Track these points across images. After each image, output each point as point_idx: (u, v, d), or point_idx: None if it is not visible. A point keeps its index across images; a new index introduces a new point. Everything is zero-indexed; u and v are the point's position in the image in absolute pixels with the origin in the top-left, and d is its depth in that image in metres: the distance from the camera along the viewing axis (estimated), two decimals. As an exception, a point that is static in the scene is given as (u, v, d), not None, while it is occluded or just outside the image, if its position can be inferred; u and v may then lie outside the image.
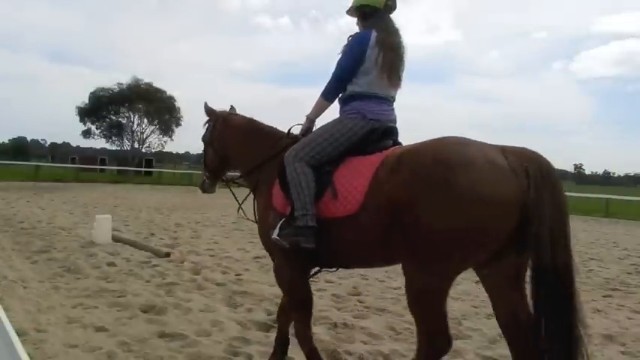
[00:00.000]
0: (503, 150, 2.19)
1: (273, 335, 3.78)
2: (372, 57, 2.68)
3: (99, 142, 47.84)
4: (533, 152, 2.22)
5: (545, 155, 2.22)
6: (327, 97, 2.85)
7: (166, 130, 44.91)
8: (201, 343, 3.51)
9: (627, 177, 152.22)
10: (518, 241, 2.13)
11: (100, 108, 42.78)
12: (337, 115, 2.84)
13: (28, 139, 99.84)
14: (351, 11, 2.92)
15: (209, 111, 3.45)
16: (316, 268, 2.95)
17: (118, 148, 45.95)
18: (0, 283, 4.86)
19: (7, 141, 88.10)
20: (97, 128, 44.12)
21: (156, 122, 44.14)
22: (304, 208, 2.52)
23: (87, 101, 42.72)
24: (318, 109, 2.91)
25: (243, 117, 3.38)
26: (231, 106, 3.52)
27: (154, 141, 45.49)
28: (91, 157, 50.59)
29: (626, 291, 6.11)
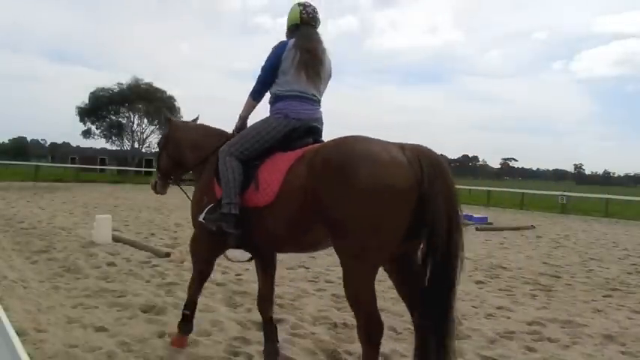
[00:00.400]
0: (402, 146, 2.51)
1: (273, 335, 3.79)
2: (289, 58, 3.01)
3: (99, 142, 47.89)
4: (427, 148, 2.55)
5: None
6: (254, 96, 3.24)
7: (166, 130, 44.88)
8: (202, 343, 3.51)
9: (627, 177, 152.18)
10: (416, 226, 2.40)
11: (100, 108, 42.75)
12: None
13: (28, 139, 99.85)
14: (286, 35, 3.28)
15: (166, 119, 3.92)
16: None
17: (118, 148, 45.93)
18: (0, 283, 4.86)
19: (7, 141, 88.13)
20: (97, 128, 44.12)
21: (156, 122, 44.09)
22: (229, 197, 2.87)
23: (87, 101, 42.72)
24: (248, 108, 3.30)
25: (195, 123, 3.79)
26: (198, 116, 3.88)
27: (154, 141, 45.42)
28: (91, 157, 50.53)
29: (626, 291, 6.11)
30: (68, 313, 4.06)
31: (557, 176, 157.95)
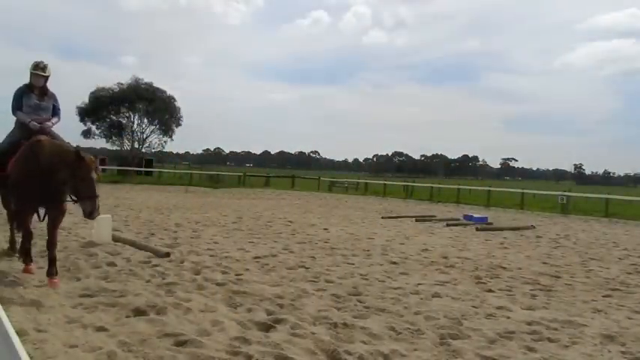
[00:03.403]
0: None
1: (273, 335, 3.79)
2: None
3: (99, 142, 47.58)
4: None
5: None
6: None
7: (166, 130, 44.79)
8: (202, 343, 3.51)
9: (627, 177, 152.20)
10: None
11: (100, 108, 42.57)
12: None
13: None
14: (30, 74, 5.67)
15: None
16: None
17: (118, 148, 45.86)
18: (0, 283, 4.86)
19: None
20: (97, 128, 43.93)
21: (156, 122, 44.00)
22: None
23: (87, 101, 42.64)
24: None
25: None
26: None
27: (154, 141, 45.31)
28: (90, 157, 50.19)
29: (626, 291, 6.11)
30: (68, 313, 4.06)
31: (557, 176, 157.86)
